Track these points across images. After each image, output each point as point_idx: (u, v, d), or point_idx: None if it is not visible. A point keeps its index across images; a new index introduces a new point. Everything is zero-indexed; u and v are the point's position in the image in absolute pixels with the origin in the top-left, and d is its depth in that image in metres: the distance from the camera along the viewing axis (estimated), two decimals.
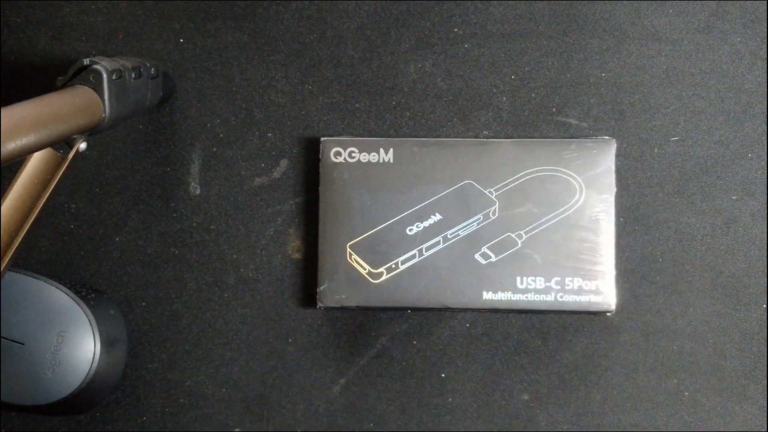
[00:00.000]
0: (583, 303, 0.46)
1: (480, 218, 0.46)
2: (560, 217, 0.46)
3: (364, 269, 0.47)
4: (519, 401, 0.49)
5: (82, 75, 0.41)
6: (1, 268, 0.38)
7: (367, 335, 0.50)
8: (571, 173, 0.47)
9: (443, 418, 0.49)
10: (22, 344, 0.47)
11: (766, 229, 0.48)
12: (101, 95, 0.41)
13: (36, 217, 0.39)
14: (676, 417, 0.49)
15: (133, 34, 0.51)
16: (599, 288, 0.46)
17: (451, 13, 0.50)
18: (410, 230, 0.47)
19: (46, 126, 0.37)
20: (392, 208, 0.47)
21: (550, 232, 0.46)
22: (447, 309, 0.47)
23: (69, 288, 0.48)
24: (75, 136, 0.40)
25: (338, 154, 0.47)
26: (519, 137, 0.49)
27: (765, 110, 0.48)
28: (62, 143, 0.40)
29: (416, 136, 0.49)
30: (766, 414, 0.48)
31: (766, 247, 0.48)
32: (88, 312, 0.48)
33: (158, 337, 0.51)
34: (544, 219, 0.46)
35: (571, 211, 0.46)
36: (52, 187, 0.40)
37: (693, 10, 0.49)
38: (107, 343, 0.48)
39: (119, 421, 0.51)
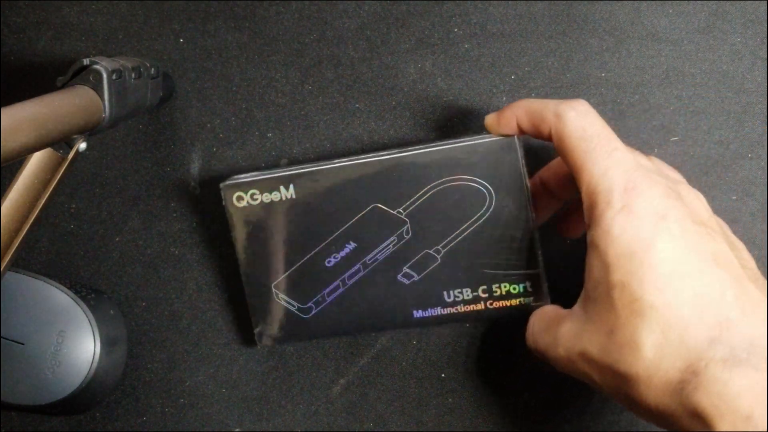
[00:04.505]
0: (514, 306, 0.45)
1: (394, 240, 0.45)
2: (475, 225, 0.45)
3: (294, 306, 0.47)
4: (519, 401, 0.49)
5: (82, 75, 0.41)
6: (1, 268, 0.38)
7: (367, 335, 0.50)
8: (477, 178, 0.45)
9: (443, 418, 0.49)
10: (22, 344, 0.47)
11: (766, 229, 0.48)
12: (101, 95, 0.41)
13: (36, 217, 0.39)
14: None
15: (133, 34, 0.51)
16: (528, 288, 0.45)
17: (451, 13, 0.50)
18: (329, 262, 0.46)
19: (46, 126, 0.37)
20: (306, 244, 0.46)
21: (467, 242, 0.45)
22: (382, 329, 0.47)
23: (69, 288, 0.48)
24: (75, 136, 0.40)
25: (240, 198, 0.46)
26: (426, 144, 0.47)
27: (765, 110, 0.48)
28: (62, 143, 0.40)
29: (318, 163, 0.46)
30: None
31: (766, 247, 0.48)
32: (88, 312, 0.48)
33: (158, 337, 0.51)
34: (459, 230, 0.45)
35: (485, 217, 0.45)
36: (52, 187, 0.40)
37: (693, 10, 0.49)
38: (107, 343, 0.48)
39: (119, 421, 0.51)
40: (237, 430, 0.50)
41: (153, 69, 0.46)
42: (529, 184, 0.44)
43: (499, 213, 0.44)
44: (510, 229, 0.45)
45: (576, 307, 0.41)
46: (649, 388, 0.36)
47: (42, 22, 0.52)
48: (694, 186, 0.48)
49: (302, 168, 0.46)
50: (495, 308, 0.45)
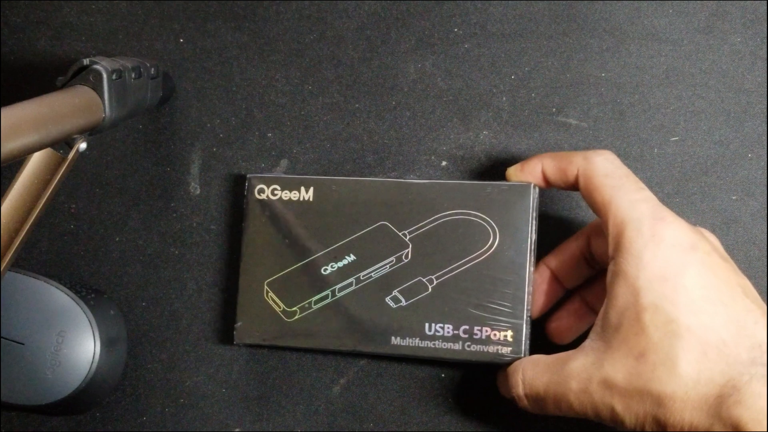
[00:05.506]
0: (490, 354, 0.45)
1: (393, 261, 0.45)
2: (473, 262, 0.45)
3: (279, 307, 0.47)
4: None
5: (82, 75, 0.41)
6: (1, 268, 0.38)
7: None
8: (486, 217, 0.45)
9: (443, 418, 0.49)
10: (22, 344, 0.47)
11: (766, 229, 0.48)
12: (101, 95, 0.41)
13: (36, 217, 0.39)
14: None
15: (133, 34, 0.51)
16: (507, 338, 0.44)
17: (451, 13, 0.50)
18: (325, 270, 0.46)
19: (46, 126, 0.37)
20: (309, 247, 0.46)
21: (461, 278, 0.45)
22: (357, 353, 0.47)
23: (69, 288, 0.48)
24: (75, 136, 0.40)
25: (262, 191, 0.47)
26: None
27: (765, 110, 0.48)
28: (62, 143, 0.40)
29: (344, 174, 0.49)
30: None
31: (766, 247, 0.48)
32: (88, 312, 0.48)
33: (158, 337, 0.51)
34: (456, 264, 0.45)
35: (484, 257, 0.45)
36: (52, 187, 0.40)
37: (693, 10, 0.49)
38: (107, 343, 0.48)
39: (119, 421, 0.51)
40: (237, 430, 0.50)
41: (153, 69, 0.46)
42: (535, 236, 0.45)
43: (498, 255, 0.44)
44: (506, 273, 0.44)
45: (588, 342, 0.41)
46: (686, 405, 0.36)
47: (42, 22, 0.52)
48: (694, 186, 0.48)
49: (326, 176, 0.47)
50: (471, 352, 0.45)
